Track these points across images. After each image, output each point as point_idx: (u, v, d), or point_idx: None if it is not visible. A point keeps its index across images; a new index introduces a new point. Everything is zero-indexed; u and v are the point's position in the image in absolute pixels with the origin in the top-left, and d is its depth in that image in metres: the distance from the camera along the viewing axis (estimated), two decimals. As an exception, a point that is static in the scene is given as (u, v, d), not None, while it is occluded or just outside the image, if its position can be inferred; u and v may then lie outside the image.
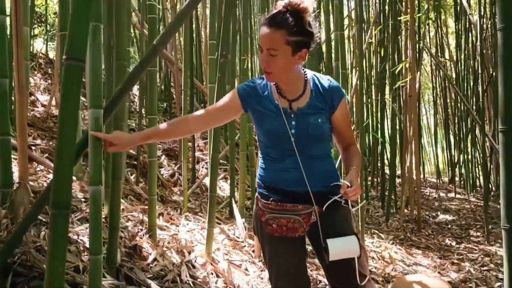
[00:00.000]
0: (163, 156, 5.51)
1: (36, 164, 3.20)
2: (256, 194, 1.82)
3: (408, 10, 5.13)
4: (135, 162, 4.72)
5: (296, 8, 1.56)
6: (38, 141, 3.93)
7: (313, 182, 1.69)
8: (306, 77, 1.74)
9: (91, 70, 1.75)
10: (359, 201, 3.23)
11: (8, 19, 2.53)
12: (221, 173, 6.17)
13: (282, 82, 1.72)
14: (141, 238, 2.77)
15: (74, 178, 3.32)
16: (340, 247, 1.61)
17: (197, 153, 5.79)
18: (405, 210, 5.84)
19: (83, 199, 2.98)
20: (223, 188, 5.59)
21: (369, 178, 7.90)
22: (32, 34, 8.01)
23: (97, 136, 1.70)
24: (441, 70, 8.96)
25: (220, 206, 4.70)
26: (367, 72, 6.94)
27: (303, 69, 1.76)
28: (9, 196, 2.07)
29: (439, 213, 6.73)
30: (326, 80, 1.75)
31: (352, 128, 1.84)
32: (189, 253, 2.90)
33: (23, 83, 2.67)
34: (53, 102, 4.99)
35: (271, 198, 1.73)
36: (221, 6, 3.13)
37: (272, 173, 1.76)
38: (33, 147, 3.66)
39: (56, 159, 1.39)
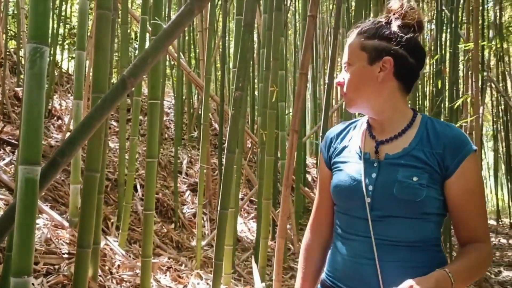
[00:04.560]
0: (188, 192, 5.01)
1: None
2: None
3: (471, 37, 4.44)
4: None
5: (393, 13, 1.17)
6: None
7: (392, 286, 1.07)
8: (415, 116, 1.17)
9: (26, 109, 1.25)
10: None
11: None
12: (252, 211, 5.62)
13: (371, 114, 1.18)
14: (128, 312, 2.23)
15: (66, 224, 2.85)
16: None
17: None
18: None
19: (66, 255, 2.49)
20: (253, 229, 5.01)
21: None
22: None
23: None
24: (502, 102, 8.07)
25: (245, 256, 4.12)
26: (420, 105, 6.22)
27: (415, 111, 1.19)
28: None
29: (502, 268, 5.81)
30: (443, 124, 1.14)
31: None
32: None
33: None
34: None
35: None
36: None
37: (336, 260, 1.18)
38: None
39: None
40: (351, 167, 1.16)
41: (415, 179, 1.06)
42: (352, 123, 1.27)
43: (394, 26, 1.15)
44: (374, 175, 1.11)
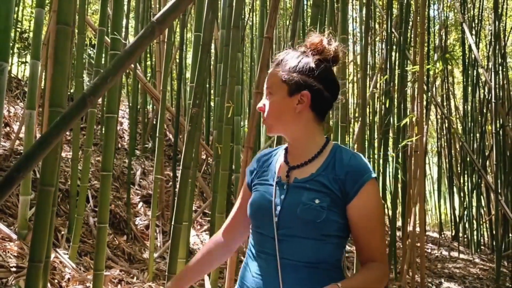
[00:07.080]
0: (141, 204, 4.97)
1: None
2: None
3: (417, 60, 4.69)
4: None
5: (313, 48, 1.26)
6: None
7: None
8: (325, 145, 1.26)
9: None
10: None
11: None
12: (205, 223, 5.63)
13: (288, 139, 1.29)
14: (78, 327, 2.21)
15: (14, 236, 2.79)
16: None
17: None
18: (407, 276, 5.22)
19: (14, 269, 2.44)
20: (205, 242, 5.03)
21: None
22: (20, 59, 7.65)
23: None
24: (446, 120, 8.52)
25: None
26: (370, 121, 6.46)
27: (328, 139, 1.29)
28: None
29: (442, 280, 6.10)
30: (349, 153, 1.24)
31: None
32: None
33: None
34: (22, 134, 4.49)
35: None
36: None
37: (246, 276, 1.25)
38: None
39: None
40: (266, 189, 1.27)
41: (317, 201, 1.16)
42: (277, 149, 1.37)
43: (313, 62, 1.24)
44: (282, 197, 1.21)
